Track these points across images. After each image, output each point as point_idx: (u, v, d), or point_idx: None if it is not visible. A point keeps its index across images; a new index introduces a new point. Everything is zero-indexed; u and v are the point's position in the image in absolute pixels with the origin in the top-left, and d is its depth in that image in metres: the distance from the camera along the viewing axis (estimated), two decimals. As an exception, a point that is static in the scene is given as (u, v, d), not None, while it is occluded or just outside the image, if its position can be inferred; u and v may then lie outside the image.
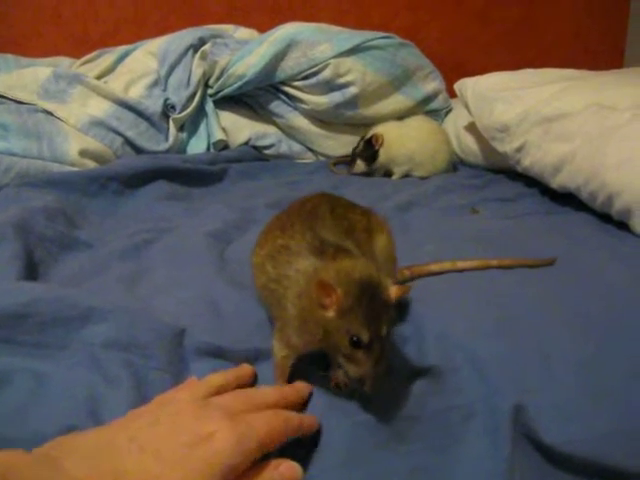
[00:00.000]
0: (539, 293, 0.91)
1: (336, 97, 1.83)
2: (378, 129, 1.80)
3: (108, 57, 1.93)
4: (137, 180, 1.42)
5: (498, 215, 1.35)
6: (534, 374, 0.76)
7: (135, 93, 1.76)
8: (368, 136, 1.79)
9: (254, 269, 0.79)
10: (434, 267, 0.99)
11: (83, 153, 1.54)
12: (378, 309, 0.65)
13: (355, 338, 0.65)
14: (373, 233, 0.81)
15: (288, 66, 1.82)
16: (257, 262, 0.78)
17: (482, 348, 0.78)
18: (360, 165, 1.80)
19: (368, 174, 1.81)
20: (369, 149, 1.77)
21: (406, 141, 1.79)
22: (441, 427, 0.73)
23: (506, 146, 1.56)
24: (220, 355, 0.76)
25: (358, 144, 1.81)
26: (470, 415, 0.74)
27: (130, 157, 1.60)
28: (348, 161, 1.85)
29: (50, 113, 1.61)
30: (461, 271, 0.98)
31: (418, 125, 1.87)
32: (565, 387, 0.75)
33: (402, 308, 0.84)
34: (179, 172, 1.51)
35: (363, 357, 0.65)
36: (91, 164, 1.55)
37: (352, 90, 1.82)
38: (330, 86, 1.82)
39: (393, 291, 0.67)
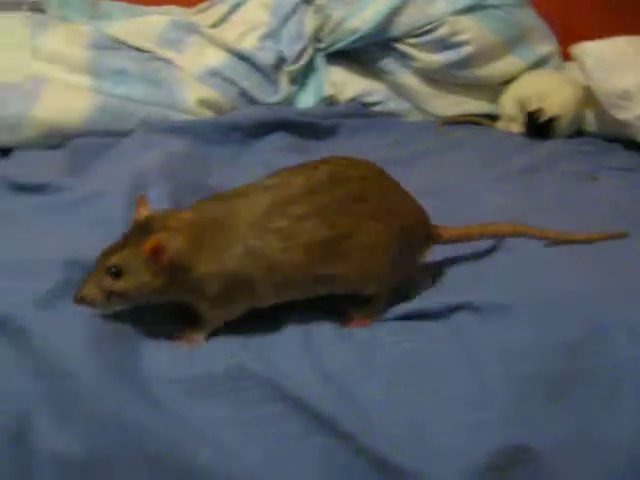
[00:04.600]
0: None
1: (450, 56, 1.79)
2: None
3: (220, 7, 1.93)
4: (258, 130, 1.44)
5: (620, 185, 1.31)
6: None
7: (248, 44, 1.76)
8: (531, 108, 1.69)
9: None
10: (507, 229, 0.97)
11: (201, 102, 1.57)
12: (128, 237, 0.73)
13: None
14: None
15: (403, 22, 1.79)
16: None
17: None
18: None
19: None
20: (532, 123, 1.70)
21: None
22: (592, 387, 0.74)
23: (628, 114, 1.52)
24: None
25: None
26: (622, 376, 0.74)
27: (250, 108, 1.61)
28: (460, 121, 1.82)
29: (168, 61, 1.64)
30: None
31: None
32: None
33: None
34: (295, 125, 1.53)
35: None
36: (208, 113, 1.57)
37: (468, 49, 1.78)
38: (445, 44, 1.79)
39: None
